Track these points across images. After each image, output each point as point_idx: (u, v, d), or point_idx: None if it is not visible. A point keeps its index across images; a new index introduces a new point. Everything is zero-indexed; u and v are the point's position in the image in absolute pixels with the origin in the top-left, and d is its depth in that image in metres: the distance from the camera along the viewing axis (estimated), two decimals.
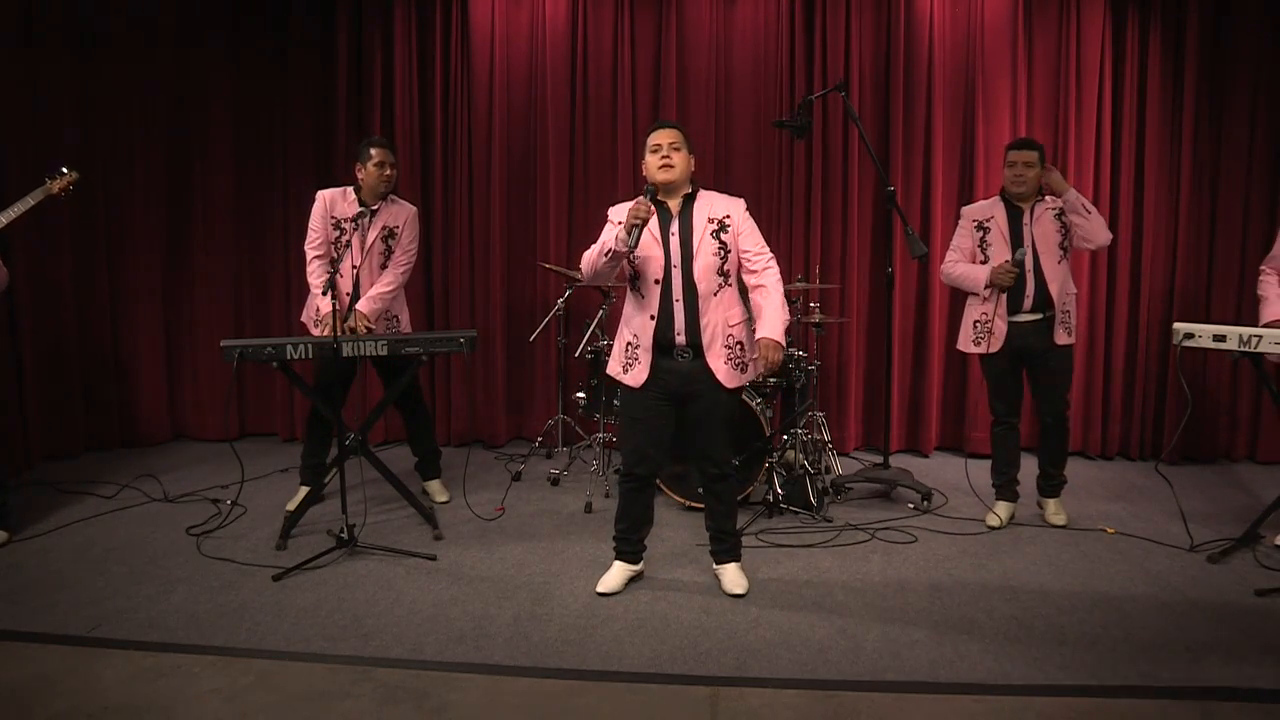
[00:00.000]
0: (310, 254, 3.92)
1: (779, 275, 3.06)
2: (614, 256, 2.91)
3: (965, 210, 4.01)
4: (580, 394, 4.53)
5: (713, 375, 3.01)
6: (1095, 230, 3.74)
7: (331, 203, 3.89)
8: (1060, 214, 3.79)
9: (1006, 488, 4.02)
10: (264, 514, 4.00)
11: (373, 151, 3.85)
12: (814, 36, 5.10)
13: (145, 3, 5.10)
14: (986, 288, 3.80)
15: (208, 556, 3.47)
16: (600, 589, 3.15)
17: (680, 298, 2.98)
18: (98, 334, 5.10)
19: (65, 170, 3.74)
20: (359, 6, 5.23)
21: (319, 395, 3.80)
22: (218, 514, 3.97)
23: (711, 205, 3.05)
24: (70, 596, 3.09)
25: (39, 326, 4.75)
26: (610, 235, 2.93)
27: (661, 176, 2.98)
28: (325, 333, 3.74)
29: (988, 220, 3.87)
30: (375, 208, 3.90)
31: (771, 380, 4.22)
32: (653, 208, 2.91)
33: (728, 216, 3.04)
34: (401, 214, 3.99)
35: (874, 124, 5.15)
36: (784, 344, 2.97)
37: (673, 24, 5.16)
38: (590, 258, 2.99)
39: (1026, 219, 3.81)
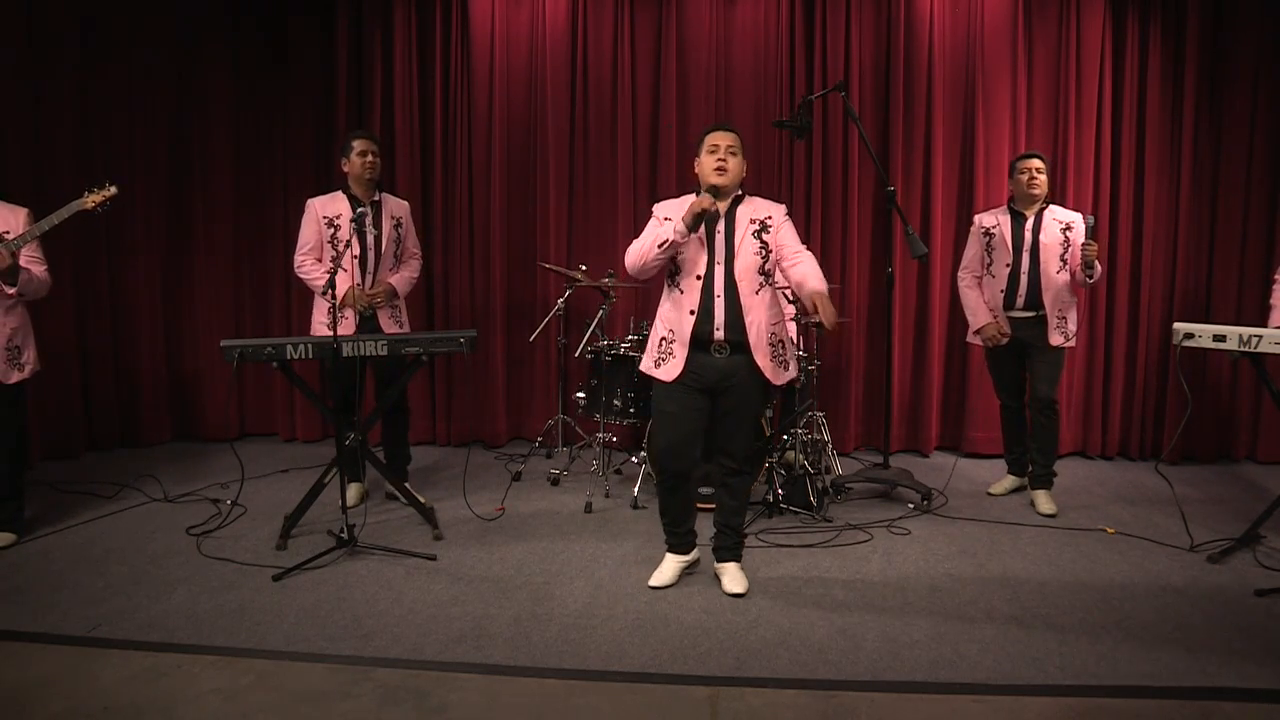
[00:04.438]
0: (300, 258, 3.96)
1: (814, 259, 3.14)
2: (670, 246, 2.97)
3: (977, 217, 4.22)
4: (580, 394, 4.52)
5: (759, 372, 3.05)
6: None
7: (323, 206, 3.96)
8: (1066, 229, 3.95)
9: (1014, 463, 4.35)
10: (264, 514, 4.00)
11: (354, 144, 3.94)
12: (814, 36, 5.10)
13: (146, 3, 5.10)
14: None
15: (208, 556, 3.47)
16: (653, 583, 3.17)
17: (721, 294, 3.01)
18: (98, 334, 5.10)
19: (105, 184, 3.56)
20: (359, 6, 5.23)
21: (336, 397, 3.76)
22: (218, 514, 3.97)
23: (755, 208, 3.11)
24: (70, 597, 3.09)
25: (39, 326, 4.72)
26: (665, 228, 2.97)
27: (716, 180, 3.00)
28: (347, 315, 3.88)
29: (994, 227, 4.08)
30: (377, 199, 3.99)
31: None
32: (716, 202, 2.97)
33: (769, 217, 3.09)
34: (401, 207, 4.13)
35: (874, 124, 5.15)
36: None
37: (673, 24, 5.16)
38: (640, 251, 3.03)
39: (1028, 225, 3.98)
